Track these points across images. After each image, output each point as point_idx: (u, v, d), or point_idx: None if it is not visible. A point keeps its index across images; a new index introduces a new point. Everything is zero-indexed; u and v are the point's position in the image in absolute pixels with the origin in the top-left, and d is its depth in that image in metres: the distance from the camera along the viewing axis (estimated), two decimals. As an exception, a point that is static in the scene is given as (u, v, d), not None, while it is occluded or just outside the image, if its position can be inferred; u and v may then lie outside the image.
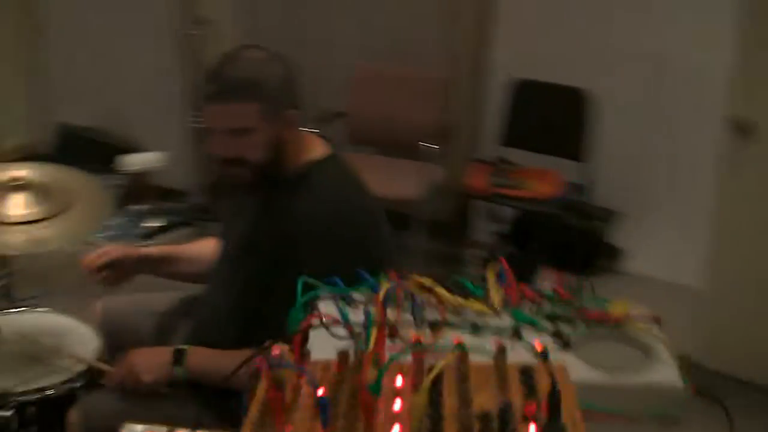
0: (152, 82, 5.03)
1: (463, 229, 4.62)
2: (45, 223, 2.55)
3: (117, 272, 2.42)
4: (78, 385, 2.28)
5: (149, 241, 4.70)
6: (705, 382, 1.30)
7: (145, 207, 4.86)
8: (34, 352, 2.41)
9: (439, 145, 4.39)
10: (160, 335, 2.46)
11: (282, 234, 2.10)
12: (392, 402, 1.08)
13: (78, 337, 2.47)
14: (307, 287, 1.40)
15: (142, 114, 5.08)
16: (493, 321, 1.46)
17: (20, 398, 2.23)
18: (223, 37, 4.55)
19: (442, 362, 1.08)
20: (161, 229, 4.70)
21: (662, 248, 4.29)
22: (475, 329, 1.42)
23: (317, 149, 2.20)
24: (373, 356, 1.09)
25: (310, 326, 1.14)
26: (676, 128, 4.13)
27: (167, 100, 4.88)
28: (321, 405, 1.01)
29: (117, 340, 2.38)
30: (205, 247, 2.47)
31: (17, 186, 2.62)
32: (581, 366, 1.34)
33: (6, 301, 2.99)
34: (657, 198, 4.30)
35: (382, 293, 1.20)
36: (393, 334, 1.40)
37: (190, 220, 4.74)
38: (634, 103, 4.19)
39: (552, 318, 1.46)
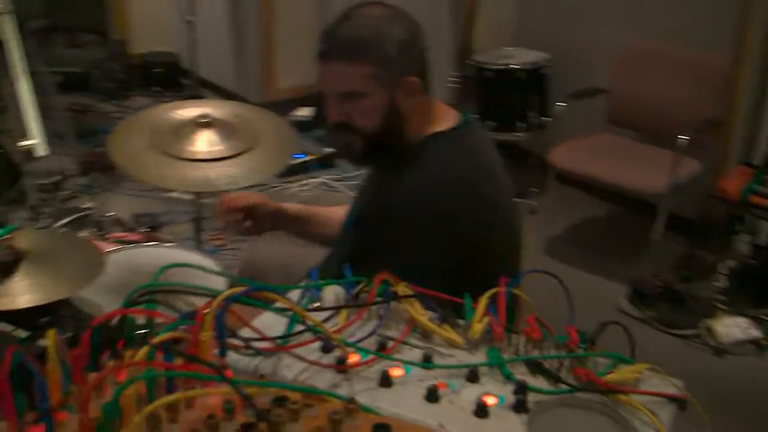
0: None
1: (711, 233, 4.10)
2: (231, 161, 2.55)
3: (251, 220, 2.33)
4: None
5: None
6: None
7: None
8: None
9: (703, 139, 3.91)
10: None
11: (380, 209, 1.91)
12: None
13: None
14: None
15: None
16: (461, 356, 1.19)
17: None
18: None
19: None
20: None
21: None
22: (426, 361, 1.16)
23: (446, 121, 1.96)
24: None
25: (102, 324, 0.95)
26: None
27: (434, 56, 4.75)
28: (41, 407, 0.83)
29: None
30: (341, 213, 2.33)
31: (203, 123, 2.62)
32: (519, 438, 1.04)
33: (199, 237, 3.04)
34: None
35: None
36: (327, 349, 1.18)
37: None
38: None
39: (535, 369, 1.16)
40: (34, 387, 0.86)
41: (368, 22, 1.84)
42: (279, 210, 2.35)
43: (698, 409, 1.19)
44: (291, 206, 2.40)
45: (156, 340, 0.88)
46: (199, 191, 2.95)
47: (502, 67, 4.71)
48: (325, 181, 5.04)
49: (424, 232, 1.83)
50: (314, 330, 1.14)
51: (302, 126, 5.39)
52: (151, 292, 1.02)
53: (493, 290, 1.25)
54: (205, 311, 0.94)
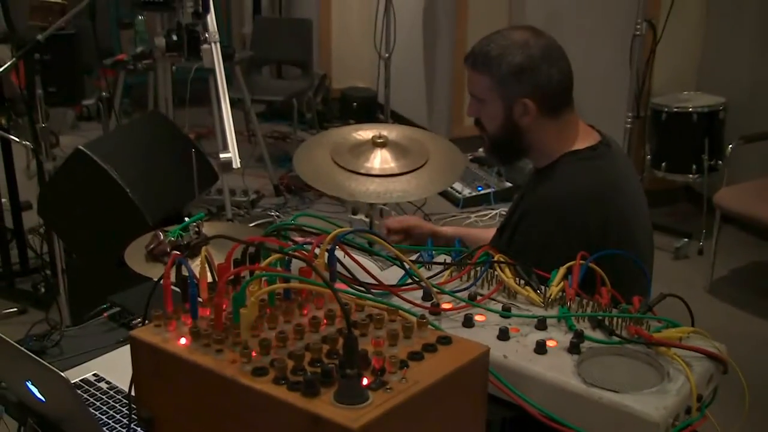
0: (604, 78, 5.12)
1: None
2: (402, 178, 2.89)
3: (409, 239, 2.60)
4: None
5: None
6: None
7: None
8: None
9: None
10: None
11: (518, 218, 2.14)
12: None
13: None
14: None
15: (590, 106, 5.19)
16: (535, 311, 1.44)
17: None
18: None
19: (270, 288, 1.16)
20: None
21: None
22: (505, 312, 1.42)
23: (585, 141, 2.15)
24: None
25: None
26: None
27: (613, 97, 4.92)
28: (191, 295, 1.15)
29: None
30: (492, 234, 2.56)
31: (379, 143, 2.98)
32: (565, 370, 1.28)
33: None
34: None
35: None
36: (427, 297, 1.46)
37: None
38: None
39: (595, 324, 1.39)
40: (187, 286, 1.19)
41: (501, 42, 2.09)
42: (435, 232, 2.61)
43: (740, 376, 1.38)
44: (447, 229, 2.67)
45: (277, 256, 1.20)
46: (373, 202, 3.31)
47: (676, 110, 4.84)
48: (502, 213, 5.31)
49: (549, 239, 2.05)
50: (414, 276, 1.43)
51: (484, 162, 5.71)
52: (284, 228, 1.33)
53: (571, 263, 1.49)
54: (319, 243, 1.25)
